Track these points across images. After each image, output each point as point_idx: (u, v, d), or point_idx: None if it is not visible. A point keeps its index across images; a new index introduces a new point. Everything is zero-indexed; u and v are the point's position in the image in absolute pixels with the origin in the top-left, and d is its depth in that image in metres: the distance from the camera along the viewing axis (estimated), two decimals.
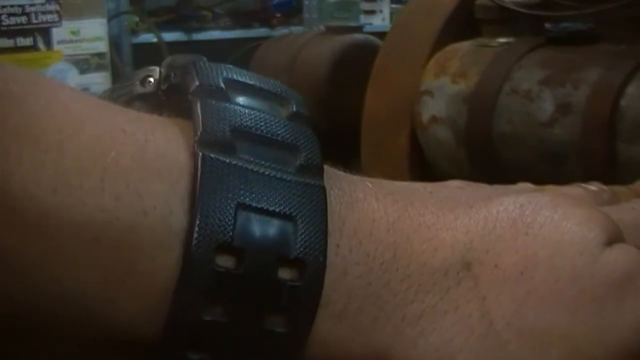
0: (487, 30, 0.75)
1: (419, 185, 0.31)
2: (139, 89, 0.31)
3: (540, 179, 0.57)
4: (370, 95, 0.80)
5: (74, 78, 1.45)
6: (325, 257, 0.26)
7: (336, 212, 0.27)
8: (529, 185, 0.35)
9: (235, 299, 0.25)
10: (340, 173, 0.29)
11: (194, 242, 0.24)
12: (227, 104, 0.27)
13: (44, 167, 0.23)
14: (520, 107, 0.66)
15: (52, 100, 0.25)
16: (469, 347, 0.27)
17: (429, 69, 0.75)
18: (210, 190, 0.25)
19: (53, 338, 0.26)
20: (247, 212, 0.25)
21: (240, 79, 0.28)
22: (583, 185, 0.35)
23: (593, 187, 0.35)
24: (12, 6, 1.42)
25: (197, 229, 0.24)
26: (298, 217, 0.26)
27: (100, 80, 1.43)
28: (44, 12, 1.44)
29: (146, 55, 2.29)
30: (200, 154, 0.25)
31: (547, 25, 0.69)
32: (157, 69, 0.31)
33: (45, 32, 1.44)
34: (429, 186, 0.31)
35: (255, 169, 0.26)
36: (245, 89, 0.28)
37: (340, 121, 0.94)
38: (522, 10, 0.71)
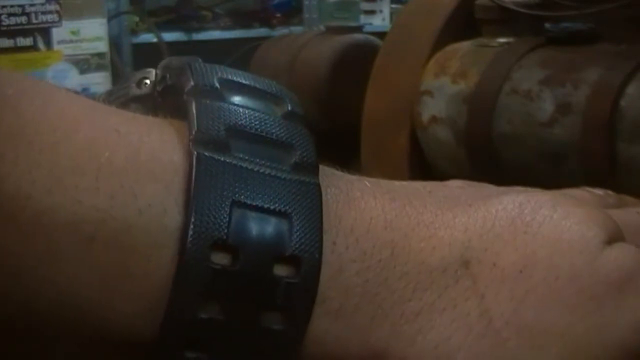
0: (487, 30, 0.75)
1: (418, 185, 0.31)
2: (135, 91, 0.31)
3: (540, 179, 0.57)
4: (370, 95, 0.80)
5: (74, 78, 1.45)
6: (320, 253, 0.26)
7: (332, 210, 0.27)
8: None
9: (231, 296, 0.25)
10: (338, 172, 0.29)
11: (189, 239, 0.24)
12: (221, 104, 0.27)
13: (39, 167, 0.24)
14: (520, 107, 0.66)
15: (46, 102, 0.25)
16: (468, 345, 0.27)
17: (429, 69, 0.75)
18: (205, 188, 0.25)
19: (51, 338, 0.26)
20: (242, 209, 0.25)
21: (235, 79, 0.28)
22: (589, 189, 0.35)
23: (599, 191, 0.35)
24: (12, 6, 1.42)
25: (192, 226, 0.24)
26: (293, 214, 0.26)
27: (100, 81, 1.43)
28: (44, 12, 1.44)
29: (146, 55, 2.29)
30: (195, 152, 0.25)
31: (547, 25, 0.69)
32: (153, 71, 0.31)
33: (45, 32, 1.44)
34: (428, 185, 0.31)
35: (250, 167, 0.26)
36: (240, 88, 0.28)
37: (340, 121, 0.94)
38: (522, 10, 0.71)
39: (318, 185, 0.27)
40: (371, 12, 2.72)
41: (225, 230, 0.25)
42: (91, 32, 1.47)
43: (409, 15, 0.83)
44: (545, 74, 0.66)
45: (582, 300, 0.27)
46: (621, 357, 0.27)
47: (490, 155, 0.68)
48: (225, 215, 0.25)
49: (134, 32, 2.60)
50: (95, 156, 0.24)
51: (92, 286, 0.24)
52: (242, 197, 0.25)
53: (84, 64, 1.47)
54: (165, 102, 0.30)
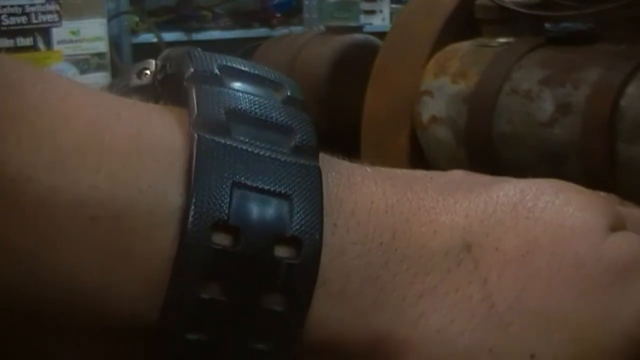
0: (487, 30, 0.75)
1: (419, 172, 0.31)
2: (136, 82, 0.31)
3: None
4: (370, 95, 0.80)
5: (74, 78, 1.45)
6: (321, 235, 0.26)
7: (333, 193, 0.27)
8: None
9: (232, 277, 0.25)
10: (339, 159, 0.29)
11: (190, 220, 0.24)
12: (221, 89, 0.27)
13: (40, 149, 0.24)
14: (520, 107, 0.66)
15: (48, 87, 0.25)
16: (471, 329, 0.27)
17: (429, 69, 0.75)
18: (206, 170, 0.25)
19: (53, 333, 0.26)
20: (242, 190, 0.25)
21: (234, 65, 0.28)
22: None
23: (602, 194, 0.35)
24: (12, 6, 1.42)
25: (193, 207, 0.24)
26: (294, 196, 0.26)
27: (100, 80, 1.43)
28: (44, 12, 1.44)
29: (146, 55, 2.28)
30: (196, 135, 0.25)
31: (547, 25, 0.69)
32: (153, 61, 0.31)
33: (45, 32, 1.44)
34: (429, 173, 0.31)
35: (251, 150, 0.26)
36: (240, 74, 0.28)
37: (340, 121, 0.94)
38: (522, 10, 0.71)
39: (318, 168, 0.27)
40: (371, 12, 2.72)
41: (226, 211, 0.25)
42: (91, 32, 1.47)
43: (409, 15, 0.83)
44: (545, 74, 0.66)
45: (587, 286, 0.27)
46: (625, 344, 0.27)
47: (490, 155, 0.68)
48: (226, 196, 0.25)
49: (134, 32, 2.60)
50: (97, 138, 0.24)
51: (94, 268, 0.24)
52: (243, 178, 0.25)
53: (84, 64, 1.47)
54: (165, 91, 0.30)
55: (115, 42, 2.13)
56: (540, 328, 0.27)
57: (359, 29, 1.11)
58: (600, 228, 0.28)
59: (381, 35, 0.91)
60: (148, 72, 0.31)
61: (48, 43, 1.45)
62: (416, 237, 0.27)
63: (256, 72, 0.29)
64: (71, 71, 1.46)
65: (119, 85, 0.32)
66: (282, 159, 0.26)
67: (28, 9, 1.43)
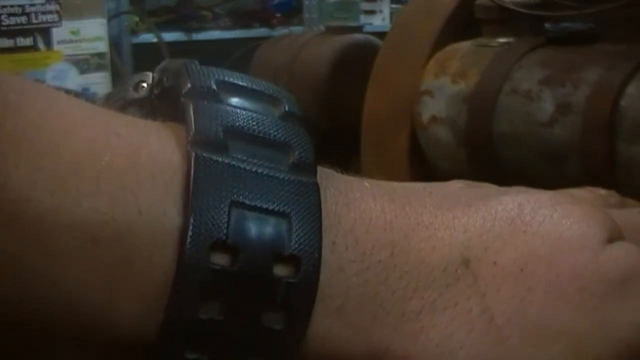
0: (487, 30, 0.74)
1: (417, 186, 0.31)
2: (132, 95, 0.31)
3: (540, 179, 0.57)
4: (370, 95, 0.80)
5: (74, 78, 1.45)
6: (320, 253, 0.26)
7: (332, 210, 0.27)
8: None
9: (231, 296, 0.25)
10: (337, 174, 0.29)
11: (188, 240, 0.24)
12: (219, 105, 0.27)
13: (40, 170, 0.24)
14: (520, 107, 0.66)
15: (47, 106, 0.25)
16: (470, 343, 0.27)
17: (429, 69, 0.75)
18: (204, 189, 0.25)
19: (51, 339, 0.26)
20: (241, 209, 0.25)
21: (232, 80, 0.28)
22: (591, 188, 0.35)
23: (602, 191, 0.35)
24: (12, 6, 1.42)
25: (191, 227, 0.24)
26: (292, 214, 0.26)
27: (100, 81, 1.43)
28: (44, 12, 1.44)
29: (146, 55, 2.29)
30: (193, 153, 0.25)
31: (547, 25, 0.69)
32: (151, 74, 0.31)
33: (45, 32, 1.44)
34: (428, 187, 0.31)
35: (248, 168, 0.26)
36: (237, 90, 0.28)
37: (340, 121, 0.94)
38: (522, 10, 0.71)
39: (317, 185, 0.27)
40: (371, 12, 2.72)
41: (225, 231, 0.25)
42: (91, 32, 1.47)
43: (409, 15, 0.83)
44: (545, 74, 0.66)
45: (584, 298, 0.27)
46: (623, 354, 0.27)
47: (490, 155, 0.68)
48: (224, 216, 0.25)
49: (134, 32, 2.60)
50: (96, 158, 0.24)
51: (94, 287, 0.24)
52: (241, 197, 0.25)
53: (84, 64, 1.47)
54: (162, 105, 0.30)
55: (115, 42, 2.13)
56: (539, 340, 0.27)
57: (359, 29, 1.11)
58: (598, 240, 0.28)
59: (381, 35, 0.91)
60: (145, 84, 0.31)
61: (48, 43, 1.45)
62: (415, 253, 0.28)
63: (253, 87, 0.29)
64: (71, 71, 1.46)
65: (116, 97, 0.32)
66: (280, 177, 0.26)
67: (28, 9, 1.43)
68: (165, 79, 0.30)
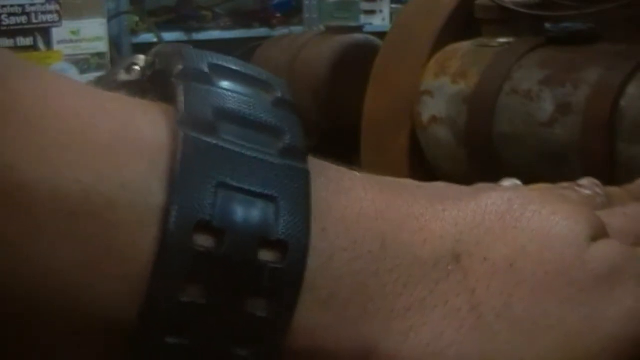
0: (487, 30, 0.75)
1: (407, 180, 0.31)
2: (124, 77, 0.31)
3: (540, 179, 0.57)
4: (370, 95, 0.80)
5: (74, 78, 1.45)
6: (308, 239, 0.25)
7: (322, 197, 0.27)
8: (516, 181, 0.35)
9: (214, 280, 0.24)
10: (328, 164, 0.29)
11: (172, 219, 0.24)
12: (210, 87, 0.27)
13: (23, 140, 0.23)
14: (520, 107, 0.66)
15: (34, 79, 0.25)
16: (460, 340, 0.27)
17: (429, 69, 0.75)
18: (190, 169, 0.24)
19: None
20: (227, 191, 0.25)
21: (225, 64, 0.28)
22: (577, 188, 0.35)
23: (587, 190, 0.35)
24: (12, 6, 1.42)
25: (175, 206, 0.24)
26: (280, 198, 0.25)
27: None
28: (44, 12, 1.44)
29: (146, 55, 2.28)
30: (182, 132, 0.25)
31: (547, 25, 0.69)
32: (143, 57, 0.31)
33: (45, 32, 1.44)
34: (417, 182, 0.31)
35: (237, 150, 0.25)
36: (230, 73, 0.28)
37: (340, 121, 0.94)
38: (522, 10, 0.71)
39: (306, 171, 0.26)
40: (371, 12, 2.72)
41: (210, 212, 0.24)
42: (91, 32, 1.47)
43: (409, 15, 0.83)
44: (545, 74, 0.66)
45: (572, 292, 0.28)
46: (612, 347, 0.28)
47: (490, 155, 0.68)
48: (210, 197, 0.24)
49: (134, 32, 2.60)
50: (81, 131, 0.24)
51: (73, 263, 0.24)
52: (229, 179, 0.25)
53: (84, 64, 1.47)
54: (154, 88, 0.29)
55: (115, 42, 2.13)
56: (528, 335, 0.27)
57: (359, 29, 1.11)
58: (585, 236, 0.28)
59: (381, 35, 0.91)
60: (137, 67, 0.31)
61: (48, 43, 1.45)
62: (406, 246, 0.27)
63: (247, 71, 0.28)
64: (71, 71, 1.46)
65: (107, 79, 0.32)
66: (270, 161, 0.26)
67: (28, 9, 1.43)
68: (157, 61, 0.29)
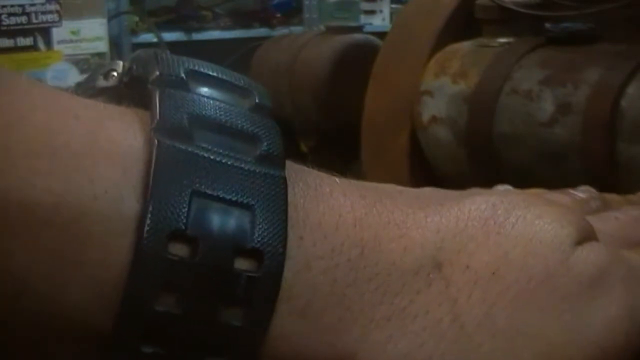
0: (488, 30, 0.75)
1: (389, 186, 0.30)
2: (102, 83, 0.31)
3: (540, 179, 0.57)
4: (370, 95, 0.80)
5: (74, 78, 1.45)
6: (284, 247, 0.25)
7: (300, 204, 0.26)
8: (508, 187, 0.35)
9: (189, 289, 0.24)
10: (307, 169, 0.28)
11: (146, 228, 0.24)
12: (186, 93, 0.26)
13: None
14: (520, 107, 0.66)
15: (5, 87, 0.24)
16: (440, 352, 0.26)
17: (429, 69, 0.75)
18: (164, 177, 0.24)
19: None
20: (202, 199, 0.24)
21: (202, 70, 0.28)
22: (572, 191, 0.34)
23: (582, 194, 0.34)
24: (12, 6, 1.42)
25: (149, 215, 0.24)
26: (256, 206, 0.25)
27: None
28: (44, 12, 1.44)
29: None
30: (156, 140, 0.25)
31: (547, 25, 0.69)
32: (121, 62, 0.31)
33: (45, 32, 1.44)
34: (400, 187, 0.31)
35: (212, 157, 0.25)
36: (207, 80, 0.27)
37: (340, 121, 0.94)
38: (522, 10, 0.71)
39: (283, 178, 0.26)
40: (371, 12, 2.72)
41: (184, 221, 0.24)
42: (91, 32, 1.47)
43: (409, 15, 0.83)
44: (546, 74, 0.66)
45: (555, 300, 0.27)
46: (596, 355, 0.27)
47: (491, 155, 0.68)
48: (184, 205, 0.24)
49: (134, 32, 2.60)
50: (51, 139, 0.24)
51: (46, 272, 0.23)
52: (203, 187, 0.24)
53: (84, 64, 1.47)
54: (131, 94, 0.29)
55: (115, 42, 2.13)
56: (510, 346, 0.27)
57: (359, 29, 1.11)
58: (570, 241, 0.28)
59: (381, 35, 0.91)
60: (115, 73, 0.31)
61: (48, 43, 1.45)
62: (385, 254, 0.27)
63: (225, 77, 0.28)
64: (71, 71, 1.46)
65: (86, 85, 0.31)
66: (246, 168, 0.25)
67: (28, 9, 1.43)
68: (135, 67, 0.29)
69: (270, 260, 0.25)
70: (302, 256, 0.26)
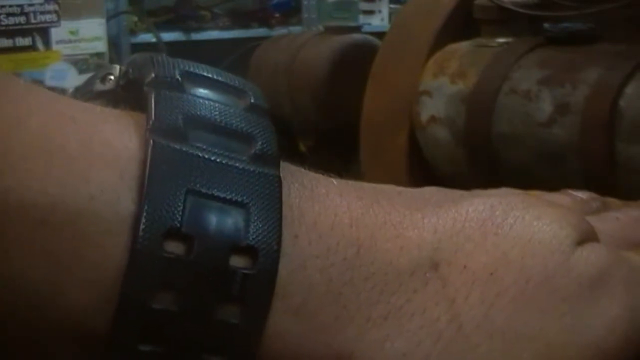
0: (486, 30, 0.74)
1: (387, 186, 0.31)
2: (99, 87, 0.31)
3: (539, 179, 0.57)
4: (369, 95, 0.80)
5: (73, 78, 1.45)
6: (279, 245, 0.25)
7: (295, 204, 0.27)
8: (511, 189, 0.35)
9: (185, 286, 0.24)
10: (304, 170, 0.28)
11: (142, 227, 0.24)
12: (181, 94, 0.27)
13: None
14: (519, 107, 0.66)
15: (3, 90, 0.25)
16: (437, 352, 0.26)
17: (428, 69, 0.75)
18: (160, 176, 0.24)
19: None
20: (197, 198, 0.25)
21: (197, 71, 0.28)
22: (572, 192, 0.34)
23: (582, 195, 0.34)
24: (10, 6, 1.42)
25: (145, 214, 0.24)
26: (251, 204, 0.25)
27: None
28: (42, 12, 1.44)
29: None
30: (151, 140, 0.25)
31: (546, 25, 0.69)
32: (118, 66, 0.31)
33: (44, 32, 1.44)
34: (398, 188, 0.31)
35: (207, 156, 0.25)
36: (202, 80, 0.28)
37: (339, 121, 0.94)
38: (521, 10, 0.71)
39: (278, 177, 0.26)
40: (370, 12, 2.72)
41: (179, 219, 0.24)
42: (90, 32, 1.47)
43: (407, 16, 0.83)
44: (544, 74, 0.66)
45: (555, 301, 0.27)
46: (596, 356, 0.27)
47: (489, 155, 0.68)
48: (179, 204, 0.24)
49: (133, 32, 2.60)
50: (48, 142, 0.24)
51: (43, 272, 0.24)
52: (198, 185, 0.25)
53: (82, 64, 1.47)
54: (127, 97, 0.29)
55: (114, 42, 2.13)
56: (508, 347, 0.26)
57: (357, 29, 1.11)
58: (569, 242, 0.28)
59: (380, 35, 0.91)
60: (112, 77, 0.31)
61: (47, 43, 1.45)
62: (382, 254, 0.27)
63: (219, 78, 0.28)
64: (70, 71, 1.46)
65: (84, 90, 0.32)
66: (240, 167, 0.26)
67: (27, 9, 1.43)
68: (131, 70, 0.30)
69: (265, 257, 0.25)
70: (297, 255, 0.26)
